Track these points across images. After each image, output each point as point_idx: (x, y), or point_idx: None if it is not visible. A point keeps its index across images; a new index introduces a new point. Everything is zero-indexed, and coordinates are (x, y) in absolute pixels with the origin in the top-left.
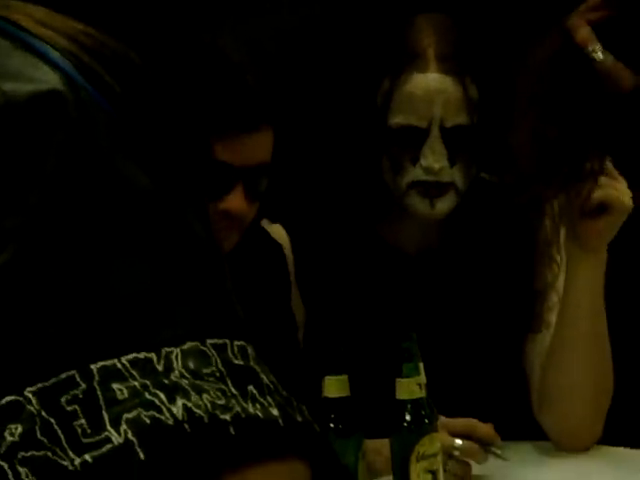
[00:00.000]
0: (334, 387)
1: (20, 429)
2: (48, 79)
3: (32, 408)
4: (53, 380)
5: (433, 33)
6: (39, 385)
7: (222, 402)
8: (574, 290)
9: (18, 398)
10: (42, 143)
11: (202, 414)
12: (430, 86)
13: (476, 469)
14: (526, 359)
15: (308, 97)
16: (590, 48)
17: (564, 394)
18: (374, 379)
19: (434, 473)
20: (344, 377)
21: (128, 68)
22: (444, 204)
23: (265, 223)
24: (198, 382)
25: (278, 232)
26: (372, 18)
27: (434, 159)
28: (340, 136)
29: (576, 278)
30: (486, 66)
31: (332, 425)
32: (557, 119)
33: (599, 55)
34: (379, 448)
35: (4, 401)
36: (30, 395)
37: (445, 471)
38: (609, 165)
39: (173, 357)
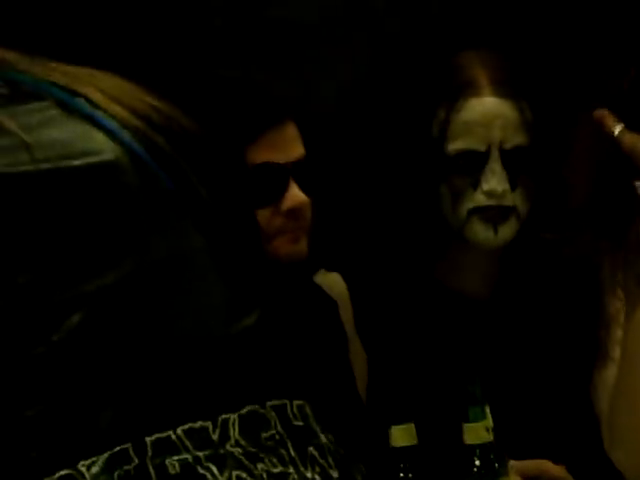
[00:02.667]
0: (401, 436)
1: None
2: (107, 149)
3: None
4: (107, 454)
5: (484, 61)
6: (93, 459)
7: (279, 469)
8: (637, 326)
9: (71, 472)
10: (108, 212)
11: None
12: (487, 110)
13: None
14: (594, 395)
15: (364, 138)
16: None
17: (635, 430)
18: (441, 425)
19: None
20: (411, 425)
21: (191, 141)
22: (507, 230)
23: (322, 272)
24: (255, 449)
25: (335, 281)
26: (423, 54)
27: (496, 182)
28: (397, 172)
29: (638, 313)
30: (539, 90)
31: (402, 475)
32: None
33: None
34: None
35: (57, 475)
36: (83, 469)
37: None
38: None
39: (230, 424)
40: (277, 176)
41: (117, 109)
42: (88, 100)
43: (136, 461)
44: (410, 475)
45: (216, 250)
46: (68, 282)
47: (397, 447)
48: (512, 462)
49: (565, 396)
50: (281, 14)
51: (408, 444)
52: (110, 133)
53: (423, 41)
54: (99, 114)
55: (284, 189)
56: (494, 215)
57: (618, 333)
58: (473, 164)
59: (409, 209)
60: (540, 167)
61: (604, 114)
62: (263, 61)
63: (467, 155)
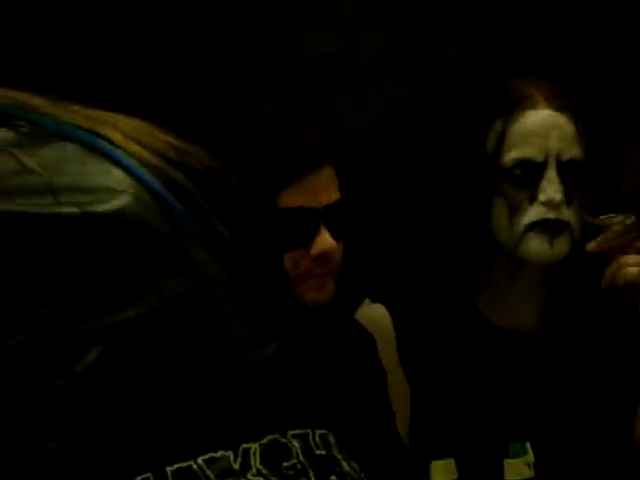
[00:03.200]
0: (442, 471)
1: None
2: (126, 185)
3: None
4: None
5: (538, 80)
6: None
7: None
8: None
9: None
10: (129, 250)
11: None
12: (544, 121)
13: None
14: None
15: (412, 162)
16: None
17: None
18: (481, 461)
19: None
20: (451, 461)
21: (213, 180)
22: (562, 245)
23: (367, 303)
24: (276, 478)
25: (378, 313)
26: (472, 80)
27: (553, 191)
28: (449, 193)
29: None
30: (592, 107)
31: None
32: None
33: None
34: None
35: None
36: None
37: None
38: None
39: (251, 453)
40: (308, 220)
41: (136, 148)
42: (108, 140)
43: None
44: None
45: (238, 286)
46: (88, 315)
47: None
48: None
49: (608, 433)
50: (319, 50)
51: (448, 479)
52: (129, 170)
53: (472, 69)
54: (118, 153)
55: (314, 233)
56: (550, 227)
57: None
58: (530, 175)
59: (459, 231)
60: (594, 184)
61: None
62: (301, 98)
63: (524, 165)
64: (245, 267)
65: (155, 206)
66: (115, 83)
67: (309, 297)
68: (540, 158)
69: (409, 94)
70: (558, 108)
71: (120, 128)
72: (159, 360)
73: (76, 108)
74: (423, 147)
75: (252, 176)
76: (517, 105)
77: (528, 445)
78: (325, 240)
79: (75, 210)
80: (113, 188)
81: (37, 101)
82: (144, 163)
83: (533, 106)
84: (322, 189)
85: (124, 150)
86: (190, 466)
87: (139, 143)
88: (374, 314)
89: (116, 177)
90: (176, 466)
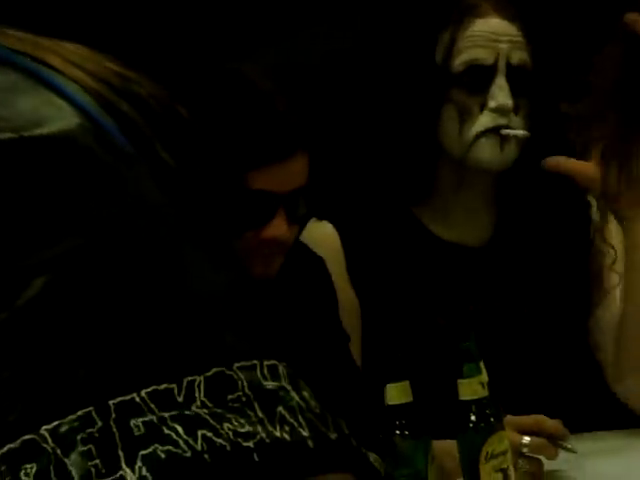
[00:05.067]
0: (396, 394)
1: (35, 469)
2: (66, 117)
3: (47, 447)
4: (70, 417)
5: None
6: (55, 423)
7: (245, 429)
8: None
9: (34, 437)
10: (62, 181)
11: (223, 443)
12: (493, 27)
13: (547, 465)
14: (594, 330)
15: (364, 73)
16: None
17: None
18: (436, 382)
19: (504, 471)
20: (405, 383)
21: (159, 108)
22: (511, 150)
23: (313, 221)
24: (221, 410)
25: (325, 232)
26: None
27: (504, 97)
28: (399, 100)
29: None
30: (540, 18)
31: (398, 432)
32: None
33: None
34: (448, 449)
35: (20, 440)
36: (46, 433)
37: (516, 469)
38: None
39: (195, 386)
40: (268, 204)
41: (77, 73)
42: (50, 66)
43: (99, 423)
44: (406, 432)
45: (185, 216)
46: (31, 247)
47: (392, 405)
48: (508, 417)
49: (560, 347)
50: None
51: (403, 402)
52: (70, 98)
53: None
54: (60, 80)
55: (271, 217)
56: (500, 134)
57: (614, 279)
58: (480, 80)
59: (408, 142)
60: (541, 95)
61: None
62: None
63: (474, 70)
64: (191, 197)
65: (95, 134)
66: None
67: (255, 272)
68: (490, 60)
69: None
70: (506, 17)
71: (61, 53)
72: (103, 291)
73: (10, 32)
74: (372, 64)
75: (221, 153)
76: (466, 14)
77: (482, 365)
78: (279, 226)
79: (12, 135)
80: (53, 115)
81: None
82: (86, 89)
83: (482, 15)
84: (290, 176)
85: (64, 75)
86: (133, 399)
87: (81, 68)
88: (322, 233)
89: (57, 105)
90: (119, 399)
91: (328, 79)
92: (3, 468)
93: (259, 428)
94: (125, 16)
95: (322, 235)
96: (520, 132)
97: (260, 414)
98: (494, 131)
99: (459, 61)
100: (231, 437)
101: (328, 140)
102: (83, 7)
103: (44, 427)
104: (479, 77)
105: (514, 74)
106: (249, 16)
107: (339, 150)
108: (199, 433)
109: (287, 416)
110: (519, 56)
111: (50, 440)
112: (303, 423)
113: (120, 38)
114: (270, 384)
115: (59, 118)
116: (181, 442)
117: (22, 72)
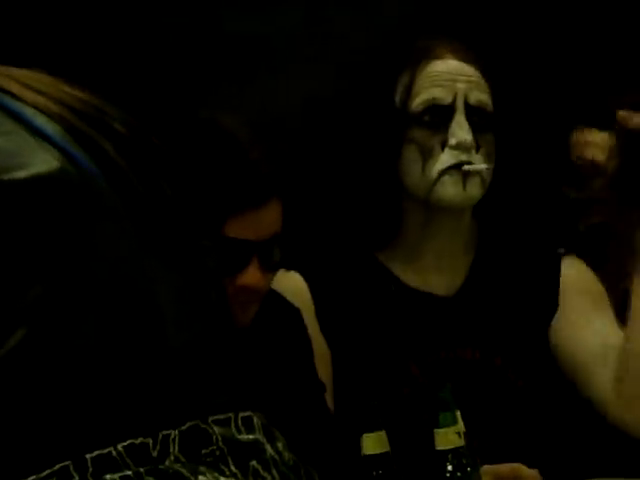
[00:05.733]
0: (372, 444)
1: None
2: (45, 160)
3: None
4: (47, 472)
5: (444, 39)
6: (32, 477)
7: None
8: None
9: None
10: (44, 224)
11: None
12: (451, 67)
13: None
14: (585, 377)
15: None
16: None
17: None
18: (412, 431)
19: None
20: (382, 433)
21: (127, 133)
22: (475, 188)
23: (281, 272)
24: (193, 465)
25: (295, 282)
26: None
27: (464, 133)
28: (361, 146)
29: None
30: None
31: None
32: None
33: None
34: None
35: None
36: None
37: None
38: None
39: (170, 440)
40: (242, 252)
41: (39, 99)
42: (11, 94)
43: (77, 478)
44: None
45: (161, 249)
46: (9, 295)
47: (369, 455)
48: (485, 466)
49: (536, 394)
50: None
51: (379, 452)
52: (39, 131)
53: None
54: (26, 110)
55: (246, 264)
56: (462, 170)
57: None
58: (439, 120)
59: (371, 187)
60: (501, 133)
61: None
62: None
63: (433, 109)
64: (165, 222)
65: (69, 168)
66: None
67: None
68: (449, 99)
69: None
70: (463, 59)
71: (16, 77)
72: (79, 342)
73: None
74: (341, 113)
75: (196, 200)
76: (424, 56)
77: (458, 414)
78: (253, 274)
79: None
80: (33, 157)
81: None
82: (50, 116)
83: (439, 56)
84: (264, 224)
85: (26, 102)
86: (110, 452)
87: (41, 93)
88: (291, 284)
89: (27, 141)
90: (96, 453)
91: (298, 125)
92: None
93: None
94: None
95: (292, 286)
96: (481, 166)
97: (233, 468)
98: (456, 168)
99: (418, 101)
100: None
101: (297, 187)
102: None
103: None
104: (439, 116)
105: (473, 113)
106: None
107: (307, 197)
108: None
109: (260, 470)
110: (477, 96)
111: None
112: (276, 477)
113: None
114: (244, 437)
115: (40, 161)
116: None
117: None
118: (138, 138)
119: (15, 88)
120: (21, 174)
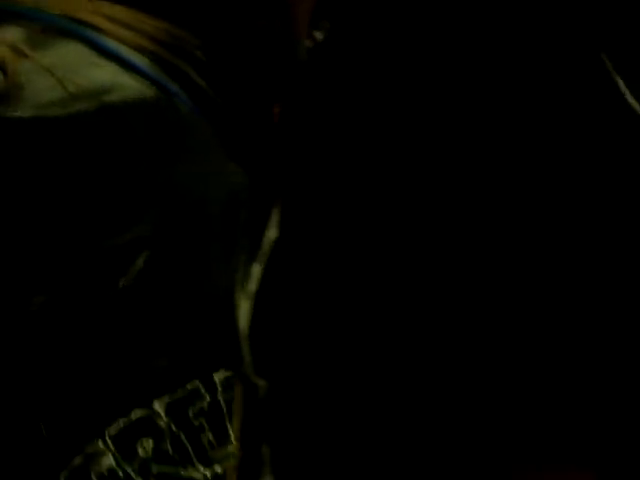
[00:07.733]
0: None
1: (152, 444)
2: (134, 86)
3: (162, 422)
4: (179, 392)
5: None
6: (166, 398)
7: None
8: None
9: (148, 412)
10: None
11: None
12: None
13: None
14: None
15: None
16: None
17: None
18: None
19: None
20: None
21: (211, 63)
22: None
23: None
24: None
25: None
26: None
27: None
28: None
29: None
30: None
31: None
32: None
33: None
34: None
35: (134, 416)
36: (159, 409)
37: None
38: None
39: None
40: None
41: (127, 34)
42: (100, 30)
43: (208, 398)
44: None
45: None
46: (121, 225)
47: None
48: None
49: None
50: None
51: None
52: (129, 64)
53: None
54: (119, 48)
55: None
56: None
57: None
58: None
59: None
60: None
61: None
62: None
63: None
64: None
65: (159, 98)
66: None
67: None
68: None
69: None
70: None
71: (107, 14)
72: (201, 266)
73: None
74: None
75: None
76: None
77: None
78: None
79: (92, 104)
80: (117, 84)
81: None
82: (140, 50)
83: None
84: None
85: (113, 36)
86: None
87: (130, 28)
88: None
89: (118, 73)
90: (223, 373)
91: None
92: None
93: None
94: None
95: None
96: None
97: None
98: None
99: None
100: None
101: None
102: None
103: (156, 402)
104: None
105: None
106: None
107: None
108: None
109: None
110: None
111: (163, 415)
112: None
113: None
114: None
115: (124, 86)
116: None
117: (88, 43)
118: (219, 65)
119: (101, 22)
120: (120, 96)
